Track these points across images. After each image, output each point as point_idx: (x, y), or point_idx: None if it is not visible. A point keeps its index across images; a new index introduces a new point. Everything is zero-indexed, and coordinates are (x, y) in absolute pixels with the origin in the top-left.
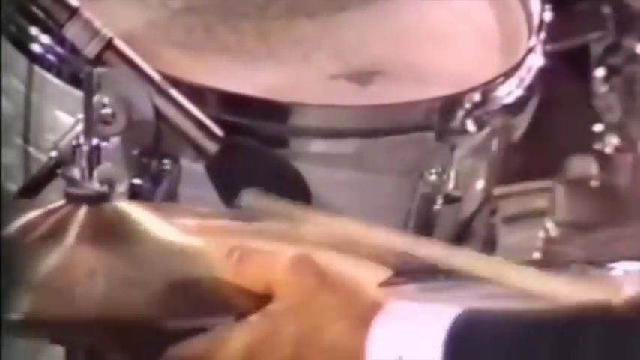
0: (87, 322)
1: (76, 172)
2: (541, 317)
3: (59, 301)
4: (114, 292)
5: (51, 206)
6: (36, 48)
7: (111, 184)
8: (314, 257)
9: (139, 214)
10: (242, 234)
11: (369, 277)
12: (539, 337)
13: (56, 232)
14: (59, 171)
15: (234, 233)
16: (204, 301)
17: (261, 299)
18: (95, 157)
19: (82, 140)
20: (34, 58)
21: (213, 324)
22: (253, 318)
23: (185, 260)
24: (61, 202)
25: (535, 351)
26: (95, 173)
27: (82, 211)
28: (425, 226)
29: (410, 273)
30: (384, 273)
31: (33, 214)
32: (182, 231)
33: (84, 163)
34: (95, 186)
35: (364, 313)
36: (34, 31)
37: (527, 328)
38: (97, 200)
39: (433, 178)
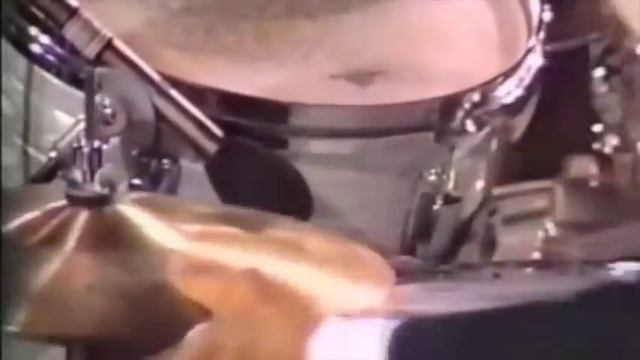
0: (82, 338)
1: (77, 174)
2: (479, 317)
3: (55, 316)
4: (109, 308)
5: (51, 206)
6: (35, 48)
7: (112, 185)
8: (262, 271)
9: (139, 218)
10: (241, 241)
11: (340, 294)
12: (479, 337)
13: (56, 237)
14: (60, 173)
15: (233, 241)
16: (164, 315)
17: (205, 313)
18: (96, 159)
19: (83, 142)
20: (33, 58)
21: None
22: (193, 335)
23: (166, 270)
24: (62, 202)
25: (475, 352)
26: (96, 175)
27: (83, 216)
28: (424, 226)
29: (410, 273)
30: (372, 292)
31: (33, 214)
32: (182, 236)
33: (85, 165)
34: (96, 188)
35: (305, 328)
36: (33, 31)
37: (466, 331)
38: (98, 202)
39: (433, 178)
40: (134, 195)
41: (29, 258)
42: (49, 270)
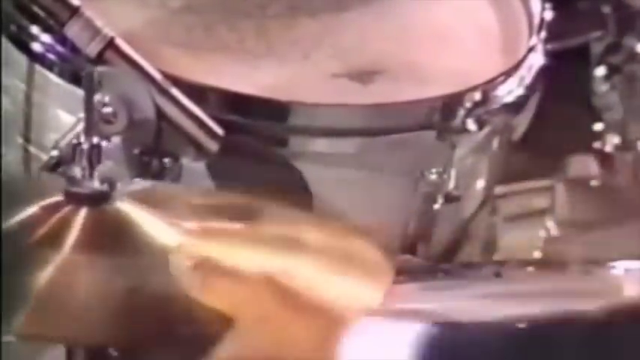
0: (80, 344)
1: (76, 171)
2: (507, 330)
3: (55, 319)
4: (107, 316)
5: (51, 201)
6: (37, 47)
7: (111, 183)
8: (280, 277)
9: (138, 216)
10: (240, 237)
11: (345, 293)
12: (504, 349)
13: (55, 237)
14: (60, 169)
15: (233, 236)
16: (176, 316)
17: (226, 321)
18: (96, 155)
19: (82, 139)
20: (34, 57)
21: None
22: (218, 342)
23: (173, 270)
24: (61, 197)
25: None
26: (96, 172)
27: (82, 214)
28: (425, 225)
29: (410, 273)
30: (374, 286)
31: (33, 210)
32: (183, 234)
33: (84, 161)
34: (95, 185)
35: (329, 333)
36: (34, 30)
37: (492, 341)
38: (98, 199)
39: (433, 177)
40: (131, 188)
41: (28, 258)
42: (47, 274)
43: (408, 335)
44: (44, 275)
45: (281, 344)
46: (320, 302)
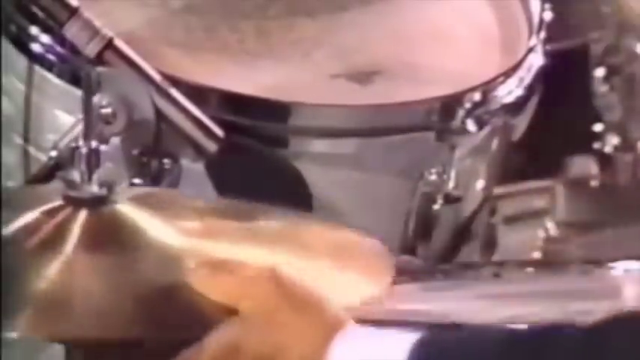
0: (82, 340)
1: (75, 175)
2: (503, 335)
3: (55, 320)
4: (109, 310)
5: (50, 206)
6: (36, 47)
7: (110, 186)
8: (282, 273)
9: (138, 217)
10: (240, 236)
11: (344, 292)
12: (501, 356)
13: (55, 239)
14: (58, 173)
15: (233, 235)
16: (182, 314)
17: (229, 314)
18: (94, 159)
19: (80, 142)
20: (34, 57)
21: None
22: (216, 331)
23: (176, 269)
24: (60, 202)
25: None
26: (94, 176)
27: (82, 216)
28: (425, 226)
29: (410, 273)
30: (372, 284)
31: (32, 215)
32: (183, 233)
33: (83, 165)
34: (94, 189)
35: (326, 333)
36: (34, 30)
37: (489, 349)
38: (96, 203)
39: (433, 177)
40: (131, 192)
41: (29, 261)
42: (48, 274)
43: (403, 342)
44: (45, 275)
45: (279, 337)
46: (320, 299)
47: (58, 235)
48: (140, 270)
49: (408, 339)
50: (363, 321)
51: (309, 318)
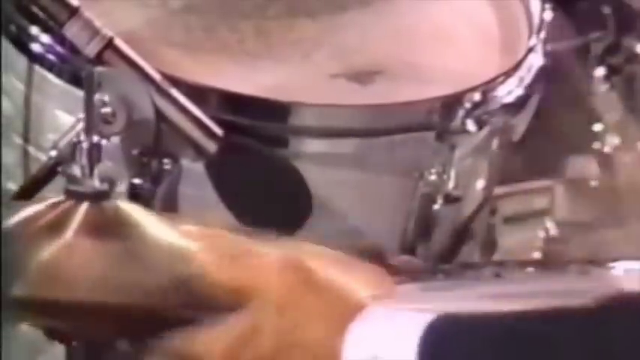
0: (84, 305)
1: (76, 170)
2: (517, 319)
3: (57, 285)
4: (112, 277)
5: (53, 200)
6: (36, 47)
7: (111, 181)
8: (303, 260)
9: (139, 214)
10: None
11: (357, 285)
12: (514, 339)
13: (56, 225)
14: (59, 168)
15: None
16: (193, 300)
17: (244, 296)
18: (95, 154)
19: (82, 137)
20: (34, 57)
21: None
22: (236, 315)
23: (180, 261)
24: (63, 197)
25: (510, 353)
26: (95, 171)
27: (83, 207)
28: (425, 226)
29: (410, 273)
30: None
31: (34, 207)
32: (183, 234)
33: (84, 160)
34: (95, 183)
35: (345, 316)
36: (34, 30)
37: (502, 331)
38: (98, 198)
39: (433, 177)
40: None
41: (30, 243)
42: (49, 251)
43: (415, 326)
44: (47, 251)
45: (298, 318)
46: (339, 283)
47: (59, 222)
48: (143, 258)
49: (423, 317)
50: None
51: (328, 300)
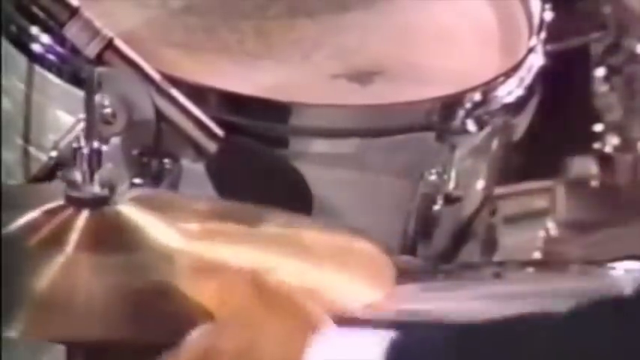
0: (83, 341)
1: (76, 175)
2: (478, 328)
3: (56, 319)
4: (110, 310)
5: (51, 206)
6: (36, 48)
7: (112, 187)
8: (262, 276)
9: (139, 218)
10: (239, 239)
11: (345, 294)
12: (476, 349)
13: (56, 238)
14: (59, 174)
15: (232, 238)
16: (167, 317)
17: (208, 316)
18: (96, 160)
19: (82, 143)
20: (34, 57)
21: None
22: (192, 337)
23: (171, 271)
24: (62, 202)
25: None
26: (96, 176)
27: (83, 216)
28: (425, 226)
29: (410, 274)
30: (373, 287)
31: (33, 214)
32: (183, 235)
33: (85, 166)
34: (96, 189)
35: (303, 333)
36: (34, 30)
37: (462, 341)
38: (98, 204)
39: (433, 178)
40: (133, 193)
41: (29, 260)
42: (49, 273)
43: (379, 342)
44: (47, 274)
45: (255, 338)
46: (298, 302)
47: (59, 235)
48: (139, 271)
49: (384, 338)
50: (346, 322)
51: (286, 320)
